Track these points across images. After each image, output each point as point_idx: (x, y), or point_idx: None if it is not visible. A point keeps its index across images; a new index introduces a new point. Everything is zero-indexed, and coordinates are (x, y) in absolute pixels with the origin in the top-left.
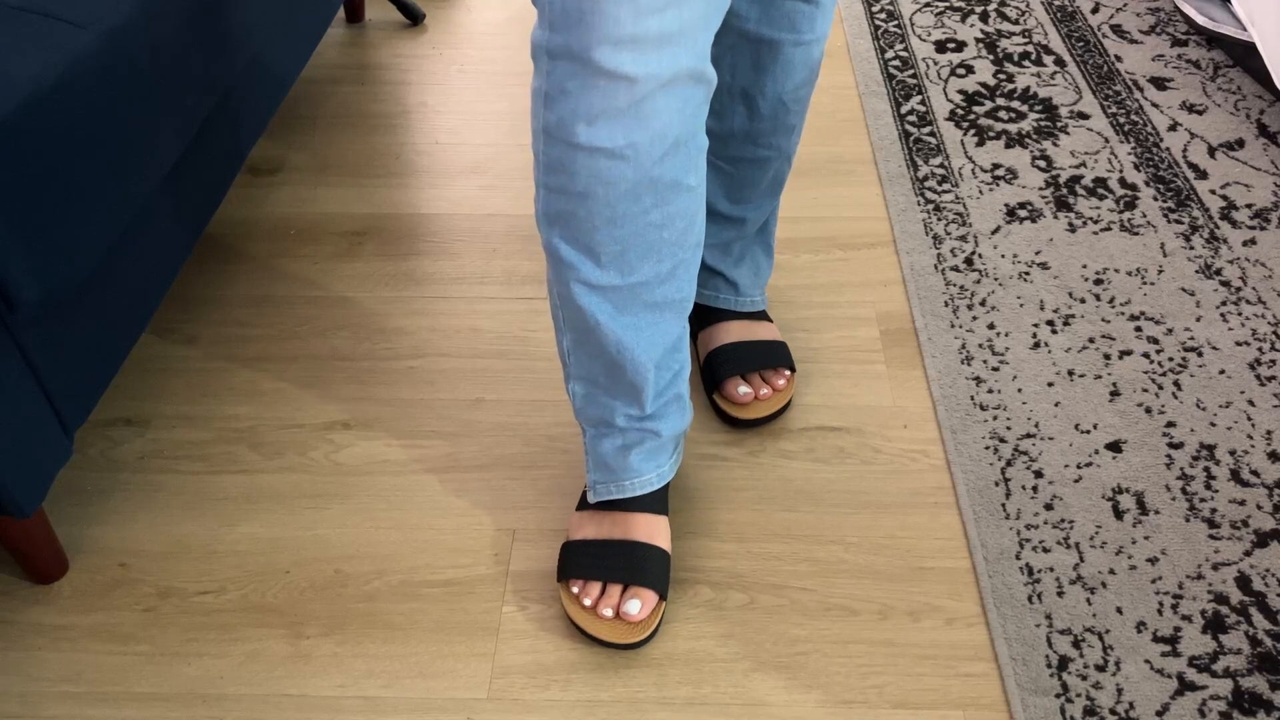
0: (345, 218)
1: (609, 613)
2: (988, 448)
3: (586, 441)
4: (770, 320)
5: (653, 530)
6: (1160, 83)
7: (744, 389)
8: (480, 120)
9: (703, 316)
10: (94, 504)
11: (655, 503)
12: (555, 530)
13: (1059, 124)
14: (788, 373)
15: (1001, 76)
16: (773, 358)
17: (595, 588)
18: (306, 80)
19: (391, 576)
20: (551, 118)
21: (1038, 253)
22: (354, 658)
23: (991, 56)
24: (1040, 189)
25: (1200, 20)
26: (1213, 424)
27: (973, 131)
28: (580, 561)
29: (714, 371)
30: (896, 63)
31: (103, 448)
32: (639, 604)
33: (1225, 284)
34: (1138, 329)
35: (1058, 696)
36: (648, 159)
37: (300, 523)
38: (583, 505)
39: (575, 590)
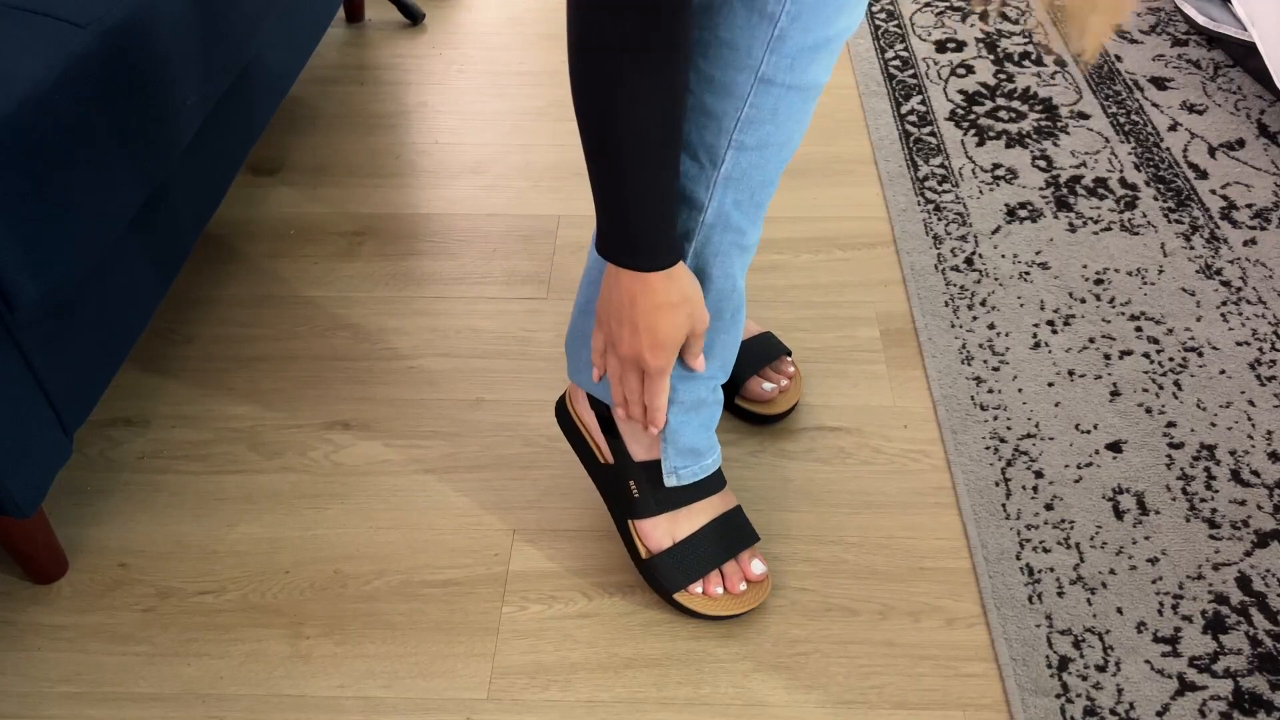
0: (345, 218)
1: (744, 586)
2: (988, 448)
3: (666, 432)
4: None
5: (723, 499)
6: (1160, 83)
7: (768, 385)
8: (480, 120)
9: None
10: (94, 504)
11: (719, 479)
12: (555, 530)
13: (1059, 124)
14: (788, 357)
15: (1002, 76)
16: (771, 349)
17: (715, 577)
18: (306, 80)
19: (391, 576)
20: (783, 62)
21: (1038, 253)
22: (354, 658)
23: (991, 56)
24: (1040, 189)
25: (1200, 20)
26: (1213, 424)
27: (973, 131)
28: (685, 566)
29: (729, 378)
30: (896, 63)
31: (103, 448)
32: (758, 562)
33: (1225, 284)
34: (1138, 329)
35: (1058, 697)
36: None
37: (300, 523)
38: (646, 511)
39: (699, 590)
